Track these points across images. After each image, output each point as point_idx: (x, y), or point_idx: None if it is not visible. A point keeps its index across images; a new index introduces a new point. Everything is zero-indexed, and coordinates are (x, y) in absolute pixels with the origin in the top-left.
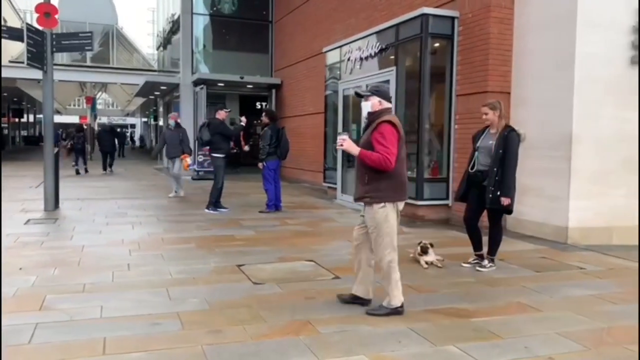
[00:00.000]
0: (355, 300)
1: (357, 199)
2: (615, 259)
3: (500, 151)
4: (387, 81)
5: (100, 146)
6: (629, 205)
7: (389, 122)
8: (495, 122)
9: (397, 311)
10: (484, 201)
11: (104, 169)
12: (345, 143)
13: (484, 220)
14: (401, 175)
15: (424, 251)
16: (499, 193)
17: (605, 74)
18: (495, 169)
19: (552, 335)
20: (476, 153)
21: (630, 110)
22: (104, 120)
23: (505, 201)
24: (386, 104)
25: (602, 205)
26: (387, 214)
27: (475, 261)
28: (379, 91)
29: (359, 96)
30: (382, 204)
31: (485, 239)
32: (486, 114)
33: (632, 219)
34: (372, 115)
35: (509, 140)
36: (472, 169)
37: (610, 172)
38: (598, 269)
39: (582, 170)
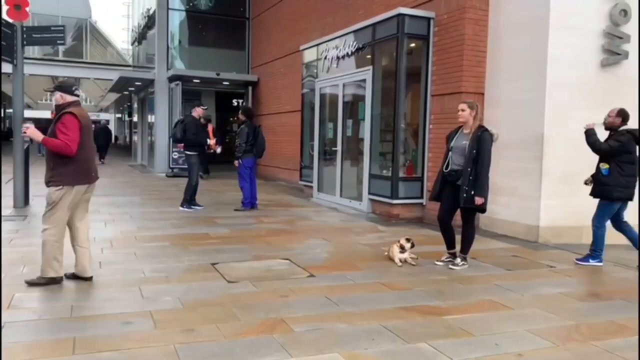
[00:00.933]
0: (76, 277)
1: (45, 183)
2: None
3: (474, 151)
4: (364, 80)
5: (96, 142)
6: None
7: (71, 113)
8: (470, 121)
9: (54, 281)
10: (458, 200)
11: (100, 158)
12: (29, 130)
13: (458, 219)
14: (85, 162)
15: (412, 246)
16: (473, 192)
17: (576, 76)
18: (469, 169)
19: (521, 332)
20: (450, 153)
21: (599, 112)
22: (93, 118)
23: (479, 200)
24: (70, 98)
25: (572, 205)
26: (63, 195)
27: (448, 259)
28: (62, 87)
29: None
30: (60, 187)
31: (458, 238)
32: (463, 110)
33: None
34: (58, 108)
35: (482, 141)
36: (446, 168)
37: (580, 172)
38: (567, 268)
39: (553, 170)
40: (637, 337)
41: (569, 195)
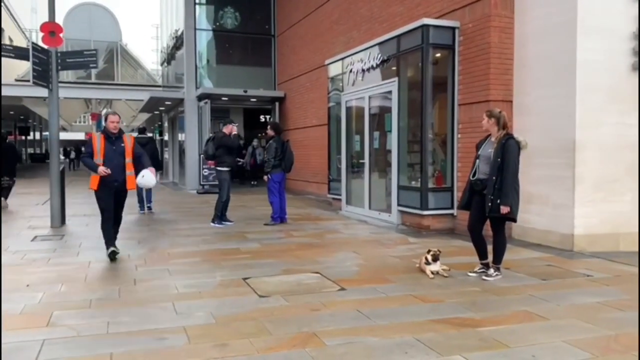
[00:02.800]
0: None
1: None
2: (622, 265)
3: (499, 159)
4: (390, 92)
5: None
6: (634, 211)
7: None
8: (494, 130)
9: None
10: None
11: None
12: None
13: (489, 229)
14: None
15: (435, 259)
16: (498, 201)
17: (607, 80)
18: (494, 177)
19: (559, 343)
20: (477, 161)
21: (631, 116)
22: None
23: (504, 209)
24: None
25: (608, 212)
26: None
27: (481, 270)
28: None
29: None
30: None
31: (490, 248)
32: (484, 119)
33: (637, 225)
34: None
35: (507, 148)
36: (473, 176)
37: (615, 179)
38: (605, 276)
39: (586, 178)
40: None
41: (604, 202)
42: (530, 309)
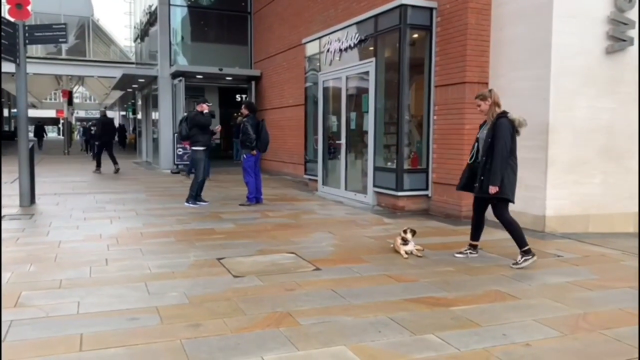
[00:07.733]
0: None
1: None
2: (592, 246)
3: (489, 140)
4: (367, 72)
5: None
6: (605, 193)
7: None
8: (491, 111)
9: None
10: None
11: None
12: None
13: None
14: None
15: (413, 234)
16: (488, 182)
17: (581, 64)
18: (484, 158)
19: (529, 322)
20: (476, 144)
21: (604, 100)
22: (81, 114)
23: (492, 189)
24: None
25: (579, 194)
26: None
27: (468, 250)
28: None
29: None
30: None
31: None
32: (479, 105)
33: (607, 207)
34: None
35: (497, 127)
36: (471, 159)
37: (586, 161)
38: (575, 257)
39: (558, 160)
40: None
41: (575, 184)
42: (502, 288)
